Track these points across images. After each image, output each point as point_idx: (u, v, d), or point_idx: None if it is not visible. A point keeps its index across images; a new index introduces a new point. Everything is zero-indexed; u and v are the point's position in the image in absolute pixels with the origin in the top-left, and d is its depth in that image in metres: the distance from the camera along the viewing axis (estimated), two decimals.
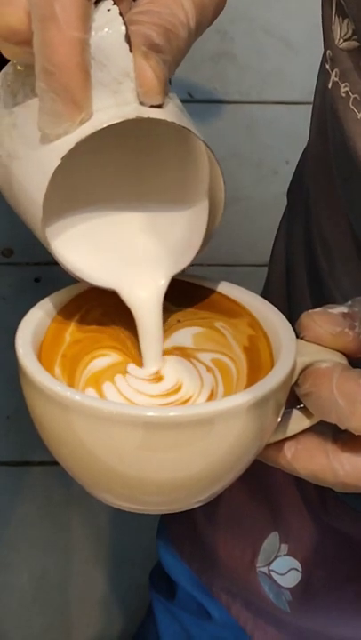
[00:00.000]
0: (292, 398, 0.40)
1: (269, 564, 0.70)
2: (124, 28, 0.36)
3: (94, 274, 0.41)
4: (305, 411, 0.41)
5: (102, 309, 0.43)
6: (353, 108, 0.47)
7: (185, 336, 0.43)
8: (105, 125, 0.35)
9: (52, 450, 0.40)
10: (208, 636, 0.77)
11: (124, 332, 0.43)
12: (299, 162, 0.68)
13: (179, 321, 0.43)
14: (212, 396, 0.40)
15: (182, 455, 0.37)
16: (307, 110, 0.62)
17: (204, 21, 0.39)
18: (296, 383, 0.40)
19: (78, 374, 0.40)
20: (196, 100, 1.72)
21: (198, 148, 0.39)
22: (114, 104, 0.36)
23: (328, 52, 0.49)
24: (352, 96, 0.47)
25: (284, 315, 0.42)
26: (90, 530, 1.28)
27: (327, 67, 0.49)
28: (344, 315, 0.40)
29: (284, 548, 0.69)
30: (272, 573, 0.70)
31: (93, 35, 0.35)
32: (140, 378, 0.41)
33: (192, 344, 0.43)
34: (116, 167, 0.41)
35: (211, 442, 0.37)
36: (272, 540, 0.70)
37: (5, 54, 0.36)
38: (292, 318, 0.41)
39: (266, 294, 0.72)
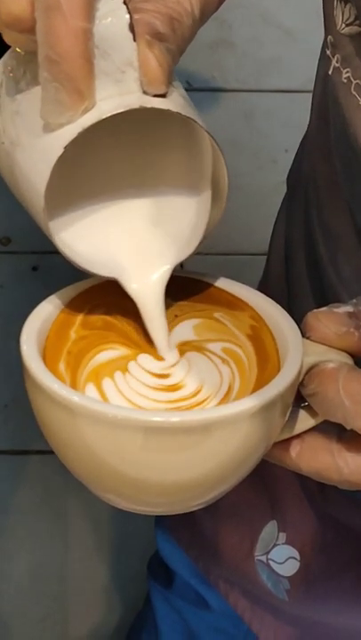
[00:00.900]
0: (297, 396, 0.40)
1: (268, 553, 0.70)
2: (127, 16, 0.36)
3: (96, 262, 0.41)
4: (310, 410, 0.40)
5: (108, 306, 0.42)
6: (355, 93, 0.47)
7: (186, 329, 0.43)
8: (108, 115, 0.35)
9: (55, 449, 0.39)
10: (206, 624, 0.77)
11: (131, 327, 0.42)
12: (298, 150, 0.68)
13: (176, 316, 0.43)
14: (229, 392, 0.39)
15: (187, 458, 0.37)
16: (306, 98, 0.61)
17: (209, 9, 0.39)
18: (302, 383, 0.39)
19: (81, 369, 0.40)
20: (195, 89, 1.72)
21: (202, 137, 0.39)
22: (117, 93, 0.36)
23: (329, 37, 0.49)
24: (354, 82, 0.47)
25: (284, 302, 0.42)
26: (88, 518, 1.28)
27: (328, 53, 0.49)
28: (350, 314, 0.40)
29: (283, 536, 0.69)
30: (270, 562, 0.70)
31: (97, 23, 0.35)
32: (150, 372, 0.40)
33: (194, 335, 0.42)
34: (118, 156, 0.41)
35: (216, 445, 0.37)
36: (270, 528, 0.70)
37: (8, 41, 0.36)
38: (291, 307, 0.41)
39: (265, 282, 0.71)
